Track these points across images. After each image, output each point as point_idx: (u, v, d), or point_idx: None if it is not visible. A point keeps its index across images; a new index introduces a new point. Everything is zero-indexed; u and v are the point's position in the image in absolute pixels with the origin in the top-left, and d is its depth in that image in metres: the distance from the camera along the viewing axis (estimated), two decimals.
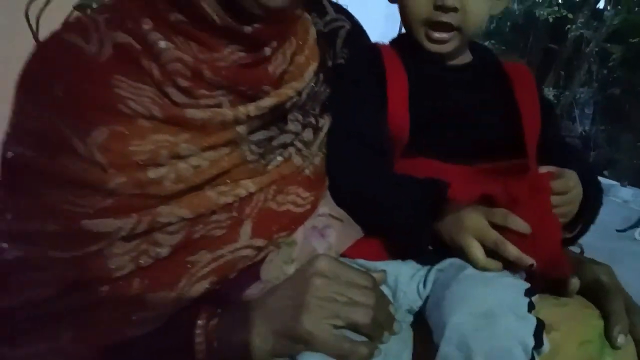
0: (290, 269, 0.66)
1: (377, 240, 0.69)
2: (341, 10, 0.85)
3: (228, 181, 0.64)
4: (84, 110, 0.60)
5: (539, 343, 0.52)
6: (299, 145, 0.70)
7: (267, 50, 0.66)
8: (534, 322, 0.53)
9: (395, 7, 0.79)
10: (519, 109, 0.72)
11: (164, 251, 0.60)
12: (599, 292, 0.63)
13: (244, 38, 0.64)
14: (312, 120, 0.72)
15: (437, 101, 0.73)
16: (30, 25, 1.25)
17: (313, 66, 0.73)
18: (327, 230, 0.70)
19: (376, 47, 0.78)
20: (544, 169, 0.64)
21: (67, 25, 0.66)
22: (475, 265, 0.58)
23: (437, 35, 0.72)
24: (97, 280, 0.59)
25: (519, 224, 0.58)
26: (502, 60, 0.80)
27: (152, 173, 0.59)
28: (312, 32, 0.76)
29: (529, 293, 0.56)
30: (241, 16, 0.63)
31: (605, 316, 0.61)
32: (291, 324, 0.56)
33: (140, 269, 0.60)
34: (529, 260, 0.57)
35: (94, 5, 1.23)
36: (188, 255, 0.62)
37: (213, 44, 0.63)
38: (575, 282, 0.62)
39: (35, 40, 1.27)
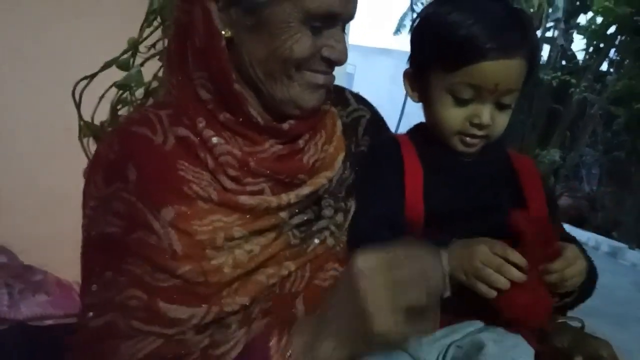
0: None
1: None
2: (361, 100, 0.96)
3: (274, 264, 0.72)
4: (154, 190, 0.69)
5: None
6: (333, 228, 0.78)
7: (301, 142, 0.77)
8: None
9: (400, 71, 0.84)
10: (526, 201, 0.79)
11: (233, 327, 0.69)
12: None
13: (281, 133, 0.74)
14: (342, 204, 0.81)
15: (450, 191, 0.79)
16: (74, 100, 1.38)
17: (341, 156, 0.82)
18: None
19: (395, 139, 0.85)
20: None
21: (133, 119, 0.77)
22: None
23: (470, 140, 0.78)
24: (176, 354, 0.66)
25: (517, 258, 0.66)
26: (510, 152, 0.86)
27: (214, 261, 0.68)
28: (339, 124, 0.86)
29: None
30: (279, 115, 0.74)
31: None
32: (364, 331, 0.57)
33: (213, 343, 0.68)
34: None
35: (133, 85, 1.36)
36: (251, 325, 0.70)
37: (256, 139, 0.73)
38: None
39: (78, 113, 1.40)
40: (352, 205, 0.82)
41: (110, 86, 1.37)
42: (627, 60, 6.69)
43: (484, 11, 0.74)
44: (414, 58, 0.83)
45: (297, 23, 0.68)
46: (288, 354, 0.62)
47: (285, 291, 0.73)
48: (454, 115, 0.77)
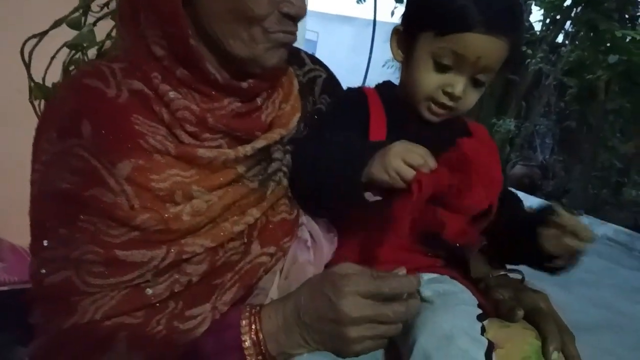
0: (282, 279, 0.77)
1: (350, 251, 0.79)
2: (316, 61, 0.97)
3: (238, 212, 0.74)
4: (109, 144, 0.68)
5: None
6: (284, 169, 0.81)
7: (259, 101, 0.78)
8: (485, 343, 0.64)
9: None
10: None
11: (194, 279, 0.69)
12: (537, 316, 0.74)
13: (240, 91, 0.75)
14: (288, 147, 0.83)
15: None
16: (24, 61, 1.33)
17: (297, 116, 0.84)
18: (308, 242, 0.81)
19: (363, 90, 0.87)
20: None
21: (85, 71, 0.75)
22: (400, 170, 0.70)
23: (436, 109, 0.81)
24: (137, 306, 0.67)
25: (432, 160, 0.71)
26: (467, 121, 0.91)
27: (172, 209, 0.69)
28: (296, 83, 0.87)
29: (481, 318, 0.68)
30: (238, 73, 0.74)
31: (543, 336, 0.71)
32: (339, 348, 0.65)
33: (174, 295, 0.69)
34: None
35: (85, 45, 1.32)
36: (215, 279, 0.72)
37: (214, 96, 0.73)
38: (520, 313, 0.73)
39: (28, 74, 1.35)
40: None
41: (62, 46, 1.33)
42: (582, 33, 6.86)
43: None
44: (406, 17, 0.84)
45: None
46: (261, 336, 0.65)
47: (252, 239, 0.75)
48: (430, 80, 0.79)
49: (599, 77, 5.91)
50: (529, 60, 7.62)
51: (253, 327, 0.66)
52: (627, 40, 5.69)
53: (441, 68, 0.78)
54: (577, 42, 7.05)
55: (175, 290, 0.69)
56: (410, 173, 0.69)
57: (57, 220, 0.68)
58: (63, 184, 0.67)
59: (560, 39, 7.80)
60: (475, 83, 0.80)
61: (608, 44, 5.90)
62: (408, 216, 0.70)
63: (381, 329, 0.65)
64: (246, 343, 0.65)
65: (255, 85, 0.75)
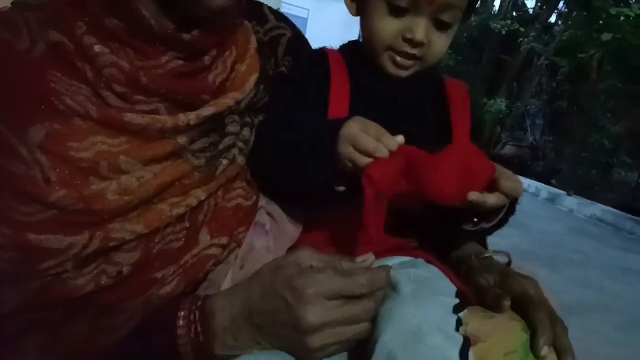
0: (237, 268, 0.67)
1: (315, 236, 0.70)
2: (282, 18, 0.86)
3: (179, 192, 0.64)
4: (18, 105, 0.58)
5: None
6: (241, 144, 0.70)
7: (207, 59, 0.66)
8: (460, 340, 0.55)
9: (353, 17, 0.77)
10: (451, 126, 0.73)
11: (125, 269, 0.59)
12: (526, 305, 0.65)
13: (182, 46, 0.64)
14: (248, 119, 0.73)
15: (375, 113, 0.70)
16: None
17: (254, 77, 0.73)
18: (267, 226, 0.71)
19: (324, 51, 0.77)
20: None
21: None
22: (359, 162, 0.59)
23: (401, 60, 0.71)
24: (55, 299, 0.57)
25: (389, 140, 0.59)
26: (444, 77, 0.80)
27: (93, 185, 0.58)
28: (253, 40, 0.76)
29: (457, 309, 0.58)
30: (181, 22, 0.63)
31: (532, 328, 0.62)
32: (298, 355, 0.56)
33: (102, 289, 0.59)
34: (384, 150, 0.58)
35: (32, 3, 1.19)
36: (154, 272, 0.61)
37: (149, 51, 0.62)
38: (506, 303, 0.63)
39: None
40: (259, 120, 0.74)
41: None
42: (575, 13, 6.78)
43: None
44: None
45: None
46: (200, 336, 0.56)
47: (198, 224, 0.65)
48: (386, 27, 0.69)
49: (591, 55, 5.83)
50: (521, 39, 7.54)
51: (193, 327, 0.56)
52: (621, 19, 5.59)
53: (397, 11, 0.68)
54: (569, 22, 6.97)
55: (103, 283, 0.59)
56: (363, 161, 0.59)
57: None
58: None
59: (553, 19, 7.73)
60: (440, 25, 0.69)
61: (601, 22, 5.81)
62: (372, 215, 0.59)
63: (349, 331, 0.56)
64: (184, 347, 0.56)
65: (200, 37, 0.64)
